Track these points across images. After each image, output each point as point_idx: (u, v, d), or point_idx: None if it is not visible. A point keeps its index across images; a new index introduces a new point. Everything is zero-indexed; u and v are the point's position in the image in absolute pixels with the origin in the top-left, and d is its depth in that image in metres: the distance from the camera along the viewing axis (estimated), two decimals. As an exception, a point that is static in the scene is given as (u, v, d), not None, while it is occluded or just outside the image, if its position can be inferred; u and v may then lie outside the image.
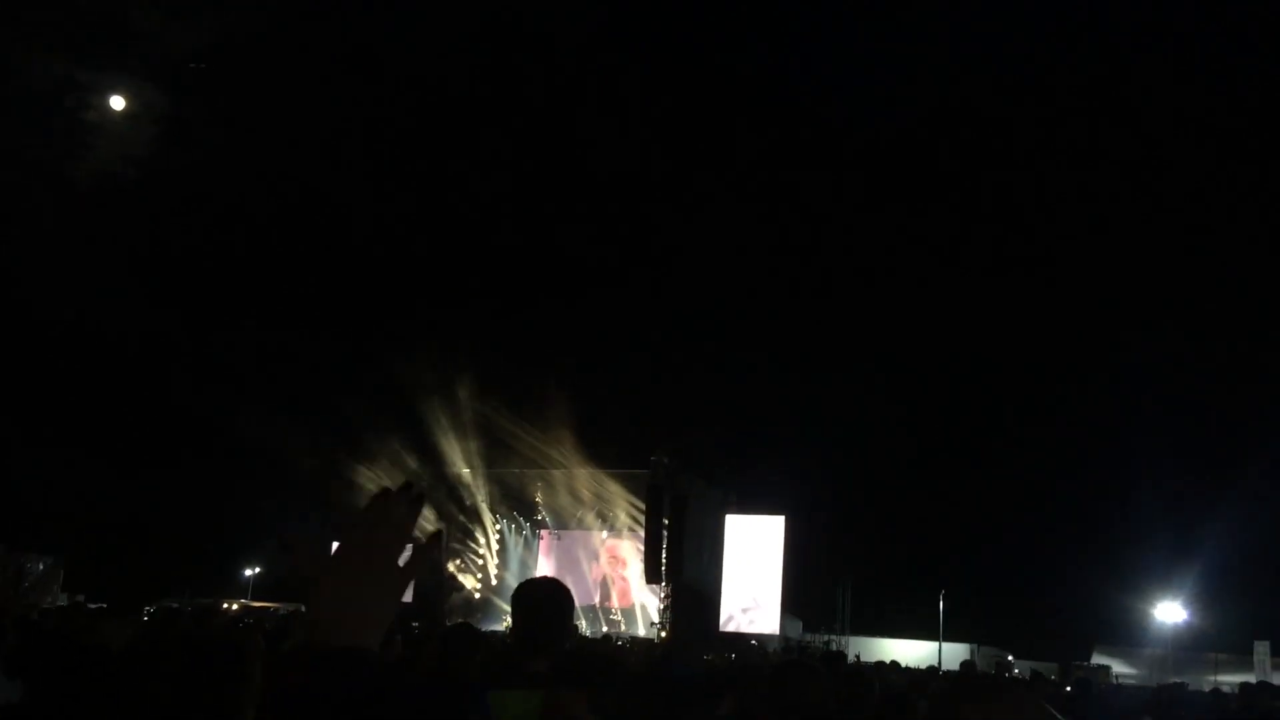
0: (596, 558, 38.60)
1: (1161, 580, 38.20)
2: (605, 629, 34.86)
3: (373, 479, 36.90)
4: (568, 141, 48.49)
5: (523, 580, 3.73)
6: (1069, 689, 14.06)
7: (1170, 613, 37.70)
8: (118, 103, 23.18)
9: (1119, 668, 35.51)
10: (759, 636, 33.28)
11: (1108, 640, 38.78)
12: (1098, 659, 36.44)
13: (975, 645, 37.19)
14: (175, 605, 32.07)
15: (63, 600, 29.96)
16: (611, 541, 38.40)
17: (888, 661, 16.60)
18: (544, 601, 3.29)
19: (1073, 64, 51.90)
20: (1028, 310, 54.33)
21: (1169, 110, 48.83)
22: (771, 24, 51.72)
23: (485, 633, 12.46)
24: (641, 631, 34.59)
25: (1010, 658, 34.74)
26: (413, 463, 37.36)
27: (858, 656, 26.38)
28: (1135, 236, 49.56)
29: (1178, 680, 27.40)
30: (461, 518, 38.91)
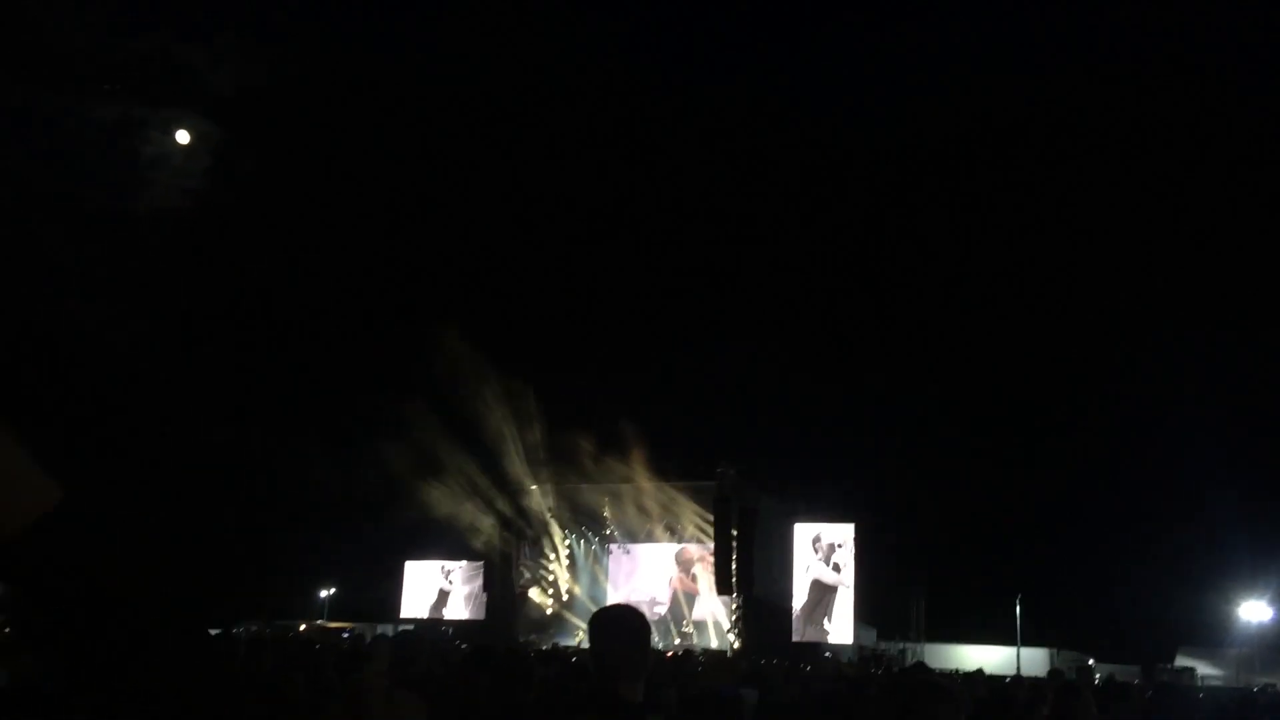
0: (666, 570, 38.57)
1: (1245, 578, 37.31)
2: (678, 641, 34.81)
3: (442, 496, 37.25)
4: (625, 164, 48.74)
5: (600, 602, 3.74)
6: (1150, 694, 13.75)
7: (1255, 611, 36.76)
8: (183, 136, 23.51)
9: (1204, 669, 34.67)
10: (832, 647, 33.02)
11: (1191, 641, 37.87)
12: (1181, 661, 35.62)
13: (1054, 650, 36.55)
14: (255, 629, 32.70)
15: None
16: (680, 554, 38.34)
17: (964, 671, 16.35)
18: (623, 631, 3.30)
19: (1120, 55, 51.01)
20: (1099, 308, 53.46)
21: (1226, 91, 47.77)
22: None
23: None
24: (714, 643, 34.50)
25: (1091, 662, 34.08)
26: (481, 480, 37.65)
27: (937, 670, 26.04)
28: (1204, 225, 48.52)
29: (1268, 681, 26.74)
30: (531, 533, 39.10)
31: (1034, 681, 15.08)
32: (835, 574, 35.31)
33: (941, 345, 53.50)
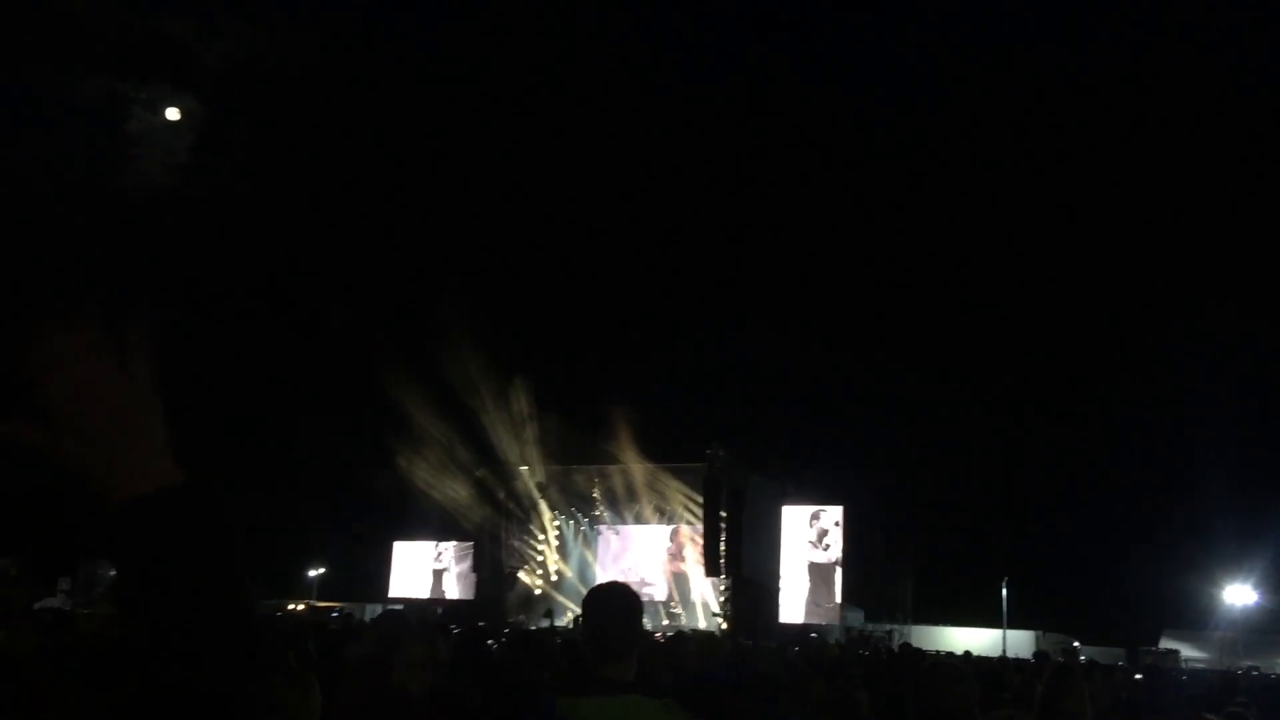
0: (655, 551, 38.65)
1: (1231, 562, 37.60)
2: (666, 622, 34.90)
3: (429, 475, 37.22)
4: (622, 151, 48.68)
5: (589, 583, 3.74)
6: (1138, 676, 13.88)
7: (1240, 595, 37.03)
8: (172, 113, 23.31)
9: (1188, 652, 34.96)
10: (819, 628, 33.16)
11: (1176, 624, 38.14)
12: (1166, 643, 35.90)
13: (1040, 632, 36.78)
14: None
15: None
16: (669, 535, 38.42)
17: (948, 653, 16.44)
18: (617, 608, 3.30)
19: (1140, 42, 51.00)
20: (1091, 292, 53.60)
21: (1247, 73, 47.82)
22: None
23: (555, 638, 12.44)
24: (702, 624, 34.59)
25: (1076, 644, 34.33)
26: (469, 458, 37.62)
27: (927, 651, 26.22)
28: (1197, 219, 48.62)
29: (1252, 665, 26.99)
30: (520, 514, 39.11)
31: (1020, 663, 15.18)
32: (824, 554, 35.48)
33: (933, 329, 53.66)
